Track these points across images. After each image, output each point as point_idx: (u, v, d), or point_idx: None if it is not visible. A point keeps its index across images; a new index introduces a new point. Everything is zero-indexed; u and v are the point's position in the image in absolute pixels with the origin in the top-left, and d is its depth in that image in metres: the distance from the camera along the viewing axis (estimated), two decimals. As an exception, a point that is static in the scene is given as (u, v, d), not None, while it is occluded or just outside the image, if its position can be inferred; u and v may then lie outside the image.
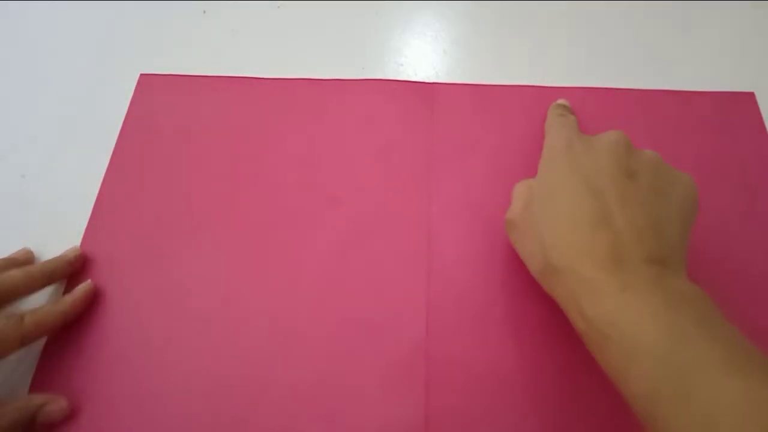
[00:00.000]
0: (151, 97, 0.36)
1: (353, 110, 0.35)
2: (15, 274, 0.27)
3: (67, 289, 0.29)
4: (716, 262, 0.30)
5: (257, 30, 0.38)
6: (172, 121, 0.35)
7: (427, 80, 0.36)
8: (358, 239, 0.31)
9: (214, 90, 0.36)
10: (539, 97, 0.35)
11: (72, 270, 0.30)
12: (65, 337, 0.28)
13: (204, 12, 0.39)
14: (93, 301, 0.29)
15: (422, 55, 0.37)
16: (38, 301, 0.29)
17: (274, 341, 0.29)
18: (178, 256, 0.31)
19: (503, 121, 0.34)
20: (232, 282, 0.30)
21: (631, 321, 0.20)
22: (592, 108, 0.34)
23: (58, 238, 0.30)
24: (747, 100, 0.35)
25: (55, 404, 0.27)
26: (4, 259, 0.29)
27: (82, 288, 0.29)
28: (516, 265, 0.30)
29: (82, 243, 0.30)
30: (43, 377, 0.27)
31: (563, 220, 0.24)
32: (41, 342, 0.27)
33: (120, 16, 0.39)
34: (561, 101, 0.33)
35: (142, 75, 0.37)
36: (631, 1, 0.39)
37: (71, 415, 0.27)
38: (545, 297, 0.28)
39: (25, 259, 0.30)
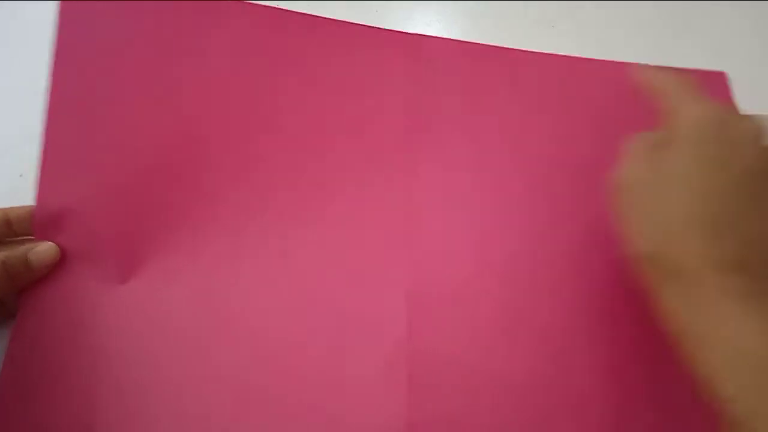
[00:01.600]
0: (82, 27, 0.30)
1: (331, 59, 0.32)
2: None
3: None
4: None
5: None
6: (114, 55, 0.30)
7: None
8: (332, 227, 0.29)
9: (159, 13, 0.31)
10: (530, 63, 0.34)
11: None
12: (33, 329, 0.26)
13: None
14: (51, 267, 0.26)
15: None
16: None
17: (247, 337, 0.27)
18: (139, 245, 0.28)
19: (489, 86, 0.33)
20: (201, 272, 0.28)
21: (736, 329, 0.20)
22: (573, 78, 0.34)
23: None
24: (718, 79, 0.35)
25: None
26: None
27: (44, 250, 0.26)
28: (507, 252, 0.29)
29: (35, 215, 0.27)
30: (10, 373, 0.25)
31: (689, 218, 0.22)
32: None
33: None
34: None
35: (62, 3, 0.30)
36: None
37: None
38: (540, 288, 0.27)
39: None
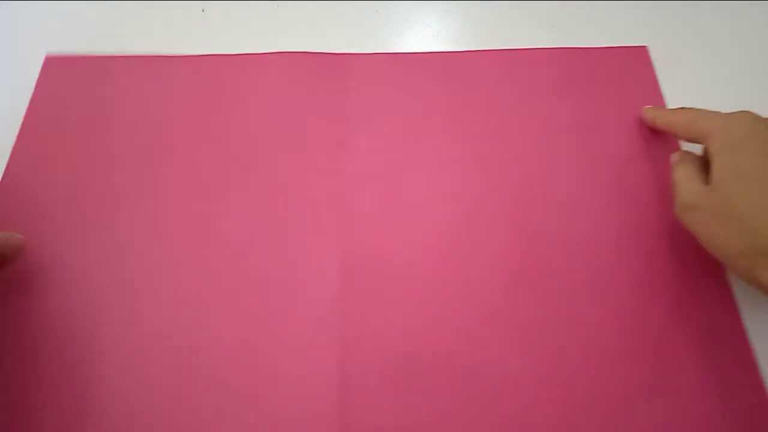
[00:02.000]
0: (58, 81, 0.34)
1: (266, 84, 0.35)
2: None
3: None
4: (611, 205, 0.32)
5: (256, 29, 0.39)
6: (81, 106, 0.33)
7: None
8: (270, 208, 0.31)
9: (125, 69, 0.35)
10: (447, 62, 0.36)
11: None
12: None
13: (203, 11, 0.40)
14: (17, 256, 0.28)
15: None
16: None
17: (187, 303, 0.28)
18: (92, 234, 0.30)
19: (415, 87, 0.35)
20: (145, 252, 0.30)
21: None
22: (495, 71, 0.36)
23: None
24: (640, 53, 0.37)
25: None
26: None
27: (9, 237, 0.27)
28: (443, 221, 0.31)
29: None
30: None
31: None
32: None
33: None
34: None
35: (47, 57, 0.34)
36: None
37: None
38: (479, 258, 0.29)
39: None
